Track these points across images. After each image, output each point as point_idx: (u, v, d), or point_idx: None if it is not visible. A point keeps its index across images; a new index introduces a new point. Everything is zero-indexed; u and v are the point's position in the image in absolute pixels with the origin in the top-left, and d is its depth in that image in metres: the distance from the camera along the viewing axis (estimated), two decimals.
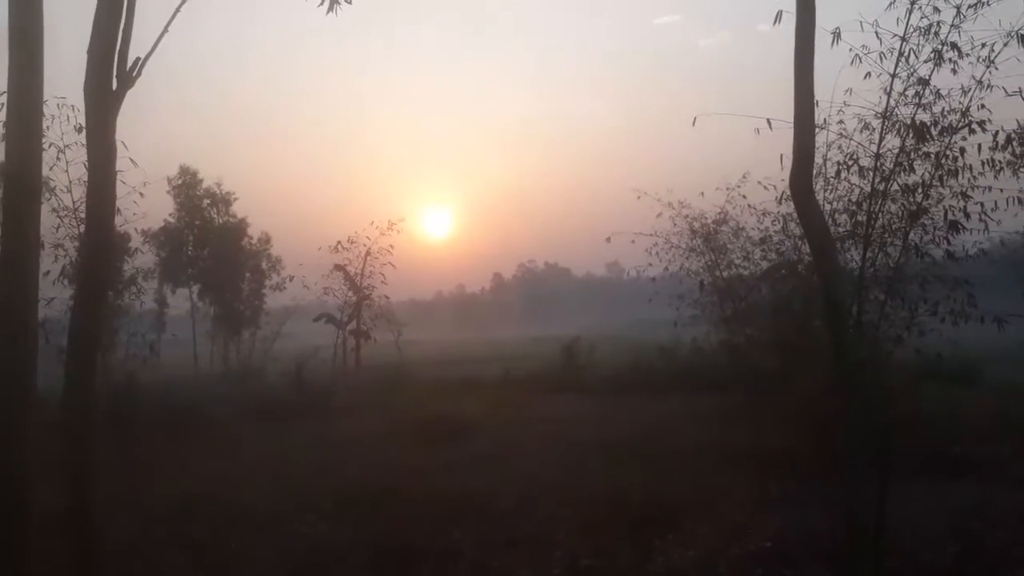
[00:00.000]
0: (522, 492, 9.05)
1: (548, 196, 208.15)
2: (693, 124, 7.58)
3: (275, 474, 10.46)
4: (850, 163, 9.00)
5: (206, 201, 38.68)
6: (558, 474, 9.96)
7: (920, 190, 8.97)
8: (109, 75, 5.71)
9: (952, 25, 7.97)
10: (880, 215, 8.96)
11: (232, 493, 9.16)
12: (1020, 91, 8.03)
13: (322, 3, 6.92)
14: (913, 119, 8.53)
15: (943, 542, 6.82)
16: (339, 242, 26.90)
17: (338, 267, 27.20)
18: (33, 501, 5.15)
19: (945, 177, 8.84)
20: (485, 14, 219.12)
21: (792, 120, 6.33)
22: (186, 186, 38.22)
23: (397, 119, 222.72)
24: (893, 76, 8.31)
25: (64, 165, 14.10)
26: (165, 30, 6.11)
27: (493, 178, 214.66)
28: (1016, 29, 7.66)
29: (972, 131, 8.52)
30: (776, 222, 12.95)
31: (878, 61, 8.17)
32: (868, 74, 8.19)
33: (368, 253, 26.86)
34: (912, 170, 8.91)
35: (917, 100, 8.51)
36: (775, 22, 6.65)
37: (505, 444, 12.20)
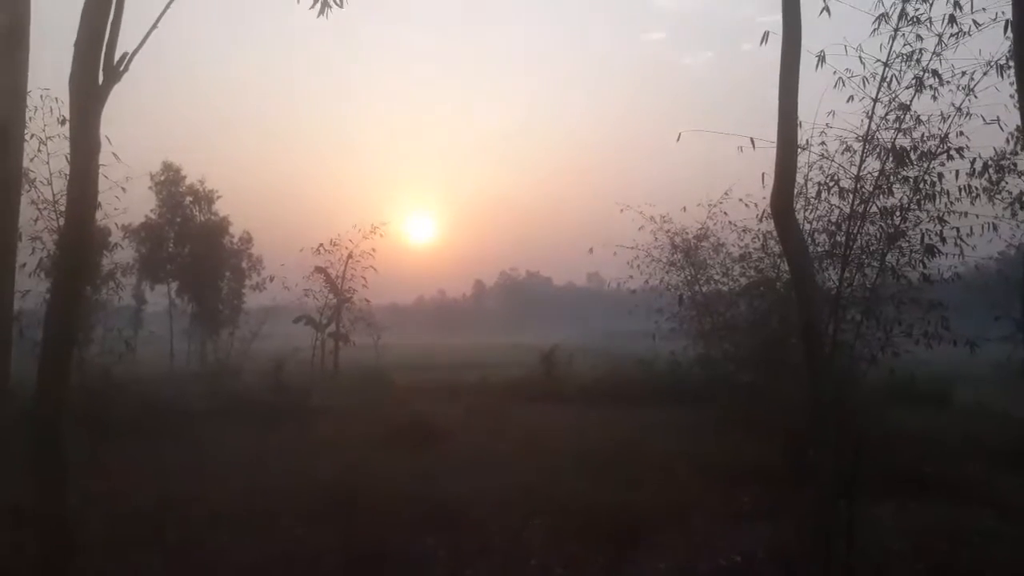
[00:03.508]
0: (497, 500, 9.04)
1: (531, 205, 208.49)
2: (678, 140, 7.71)
3: (250, 476, 10.37)
4: (831, 184, 9.16)
5: (188, 198, 38.41)
6: (533, 482, 9.95)
7: (898, 213, 9.13)
8: (96, 69, 5.67)
9: (934, 53, 8.14)
10: (858, 236, 9.11)
11: (207, 494, 9.08)
12: (998, 120, 8.21)
13: (313, 6, 6.96)
14: (893, 143, 8.68)
15: (911, 560, 6.90)
16: (321, 244, 26.81)
17: (319, 269, 27.08)
18: (3, 498, 5.08)
19: (923, 201, 9.01)
20: (473, 24, 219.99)
21: (775, 140, 6.42)
22: (168, 183, 37.94)
23: (382, 124, 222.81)
24: (875, 100, 8.47)
25: (45, 157, 13.95)
26: (155, 25, 6.10)
27: (477, 186, 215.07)
28: (995, 59, 7.83)
29: (950, 157, 8.70)
30: (756, 239, 13.12)
31: (861, 85, 8.34)
32: (851, 97, 8.35)
33: (350, 256, 26.77)
34: (891, 193, 9.07)
35: (898, 125, 8.68)
36: (761, 43, 6.76)
37: (481, 451, 12.17)
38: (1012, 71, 7.20)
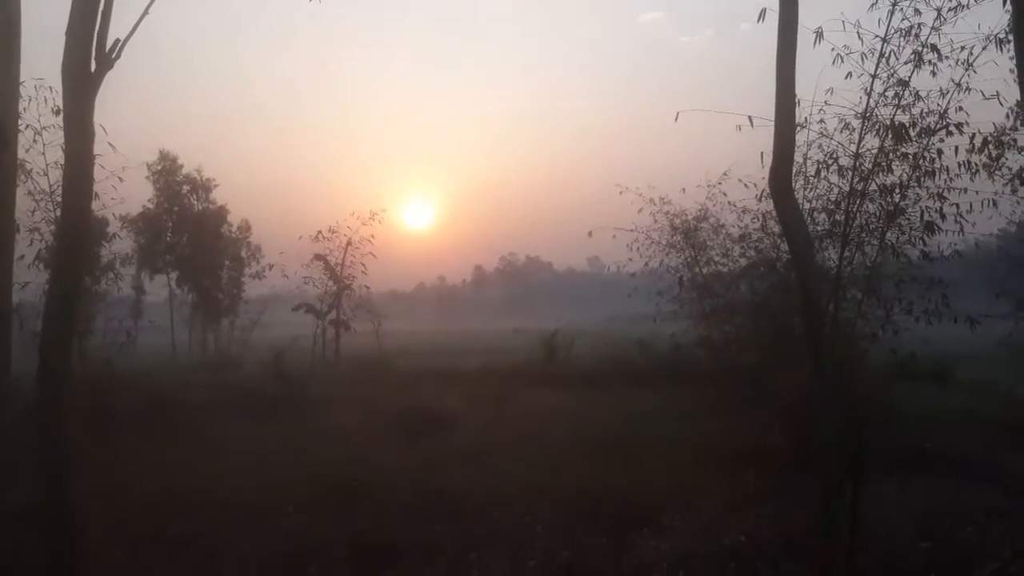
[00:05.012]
0: (500, 486, 9.06)
1: (530, 190, 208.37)
2: (676, 120, 7.61)
3: (253, 466, 10.38)
4: (830, 162, 9.10)
5: (186, 187, 38.30)
6: (536, 468, 9.97)
7: (898, 190, 9.08)
8: (88, 56, 5.62)
9: (932, 28, 8.06)
10: (858, 215, 9.07)
11: (210, 485, 9.09)
12: (997, 95, 8.14)
13: None
14: (892, 120, 8.62)
15: (915, 538, 6.91)
16: (320, 231, 26.73)
17: (318, 257, 27.01)
18: (7, 492, 5.07)
19: (922, 178, 8.96)
20: (470, 8, 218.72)
21: (773, 118, 6.36)
22: (165, 172, 37.78)
23: (380, 110, 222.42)
24: (874, 77, 8.39)
25: (41, 147, 13.87)
26: (146, 11, 6.04)
27: (475, 171, 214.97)
28: (995, 33, 7.76)
29: (950, 133, 8.64)
30: (756, 219, 13.07)
31: (859, 61, 8.25)
32: (849, 74, 8.27)
33: (349, 243, 26.69)
34: (890, 170, 9.02)
35: (897, 101, 8.61)
36: (759, 20, 6.68)
37: (484, 437, 12.19)
38: (1011, 45, 7.13)
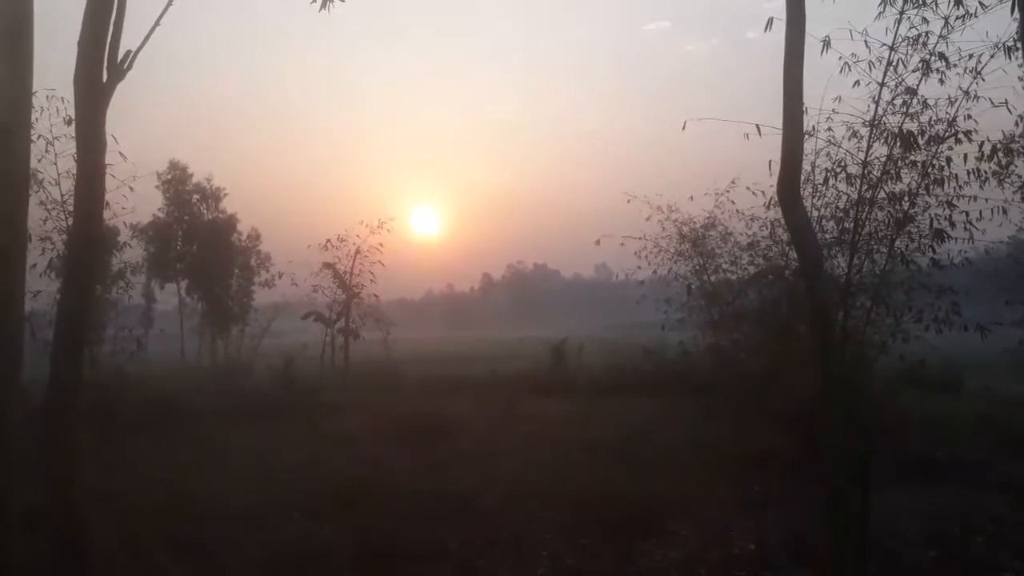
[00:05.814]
0: (507, 492, 9.06)
1: (538, 198, 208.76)
2: (683, 128, 7.61)
3: (260, 471, 10.43)
4: (838, 170, 9.09)
5: (195, 196, 38.54)
6: (543, 474, 9.97)
7: (906, 198, 9.06)
8: (100, 67, 5.68)
9: (940, 36, 8.04)
10: (867, 222, 9.05)
11: (217, 490, 9.13)
12: (1006, 102, 8.12)
13: (314, 0, 6.96)
14: (901, 128, 8.61)
15: (924, 546, 6.89)
16: (328, 240, 26.76)
17: (327, 265, 27.05)
18: (15, 497, 5.10)
19: (931, 186, 8.94)
20: (476, 16, 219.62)
21: (781, 127, 6.36)
22: (175, 181, 38.06)
23: (388, 119, 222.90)
24: (881, 85, 8.38)
25: (53, 157, 13.99)
26: (157, 23, 6.11)
27: (483, 179, 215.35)
28: (1003, 41, 7.73)
29: (958, 141, 8.61)
30: (764, 227, 13.06)
31: (867, 70, 8.24)
32: (857, 82, 8.26)
33: (358, 251, 26.69)
34: (899, 178, 9.00)
35: (905, 109, 8.59)
36: (765, 29, 6.68)
37: (491, 444, 12.19)
38: (1020, 53, 7.13)
